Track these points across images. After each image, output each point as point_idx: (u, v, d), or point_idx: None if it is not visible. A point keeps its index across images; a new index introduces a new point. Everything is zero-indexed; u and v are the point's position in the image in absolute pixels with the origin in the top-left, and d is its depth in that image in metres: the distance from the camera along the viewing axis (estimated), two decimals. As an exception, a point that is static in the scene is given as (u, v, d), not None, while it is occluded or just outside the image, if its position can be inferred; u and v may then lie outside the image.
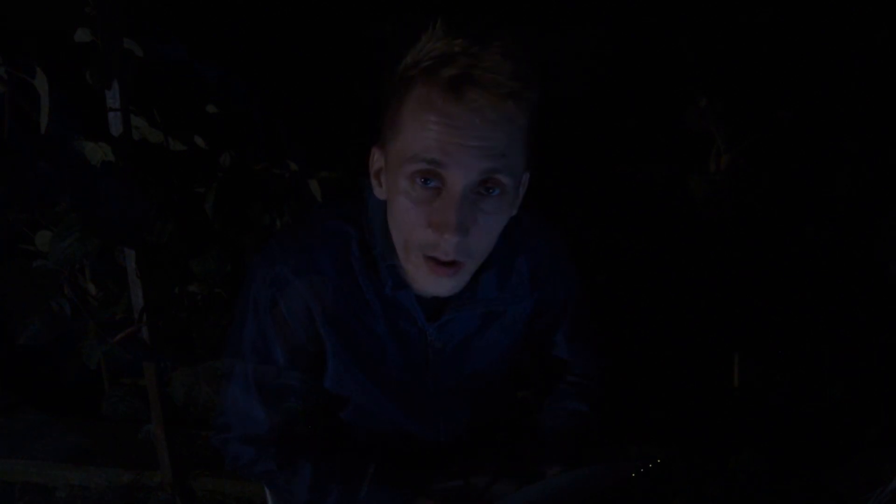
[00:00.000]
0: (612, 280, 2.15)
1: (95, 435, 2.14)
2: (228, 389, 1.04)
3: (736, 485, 1.71)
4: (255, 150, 1.73)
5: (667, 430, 1.95)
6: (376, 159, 0.94)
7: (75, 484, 2.04)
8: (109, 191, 1.50)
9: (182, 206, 1.61)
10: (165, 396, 1.80)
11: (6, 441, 2.14)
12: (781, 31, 2.06)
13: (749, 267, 2.10)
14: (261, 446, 1.04)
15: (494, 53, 0.82)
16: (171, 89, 1.83)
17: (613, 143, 2.34)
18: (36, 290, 1.54)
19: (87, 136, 1.61)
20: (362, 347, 1.03)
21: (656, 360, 2.15)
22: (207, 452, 2.06)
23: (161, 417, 1.87)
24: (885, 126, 2.03)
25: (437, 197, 0.86)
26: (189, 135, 1.70)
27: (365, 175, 0.99)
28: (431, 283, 0.94)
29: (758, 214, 2.10)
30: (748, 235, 2.10)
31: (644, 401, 2.00)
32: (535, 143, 0.91)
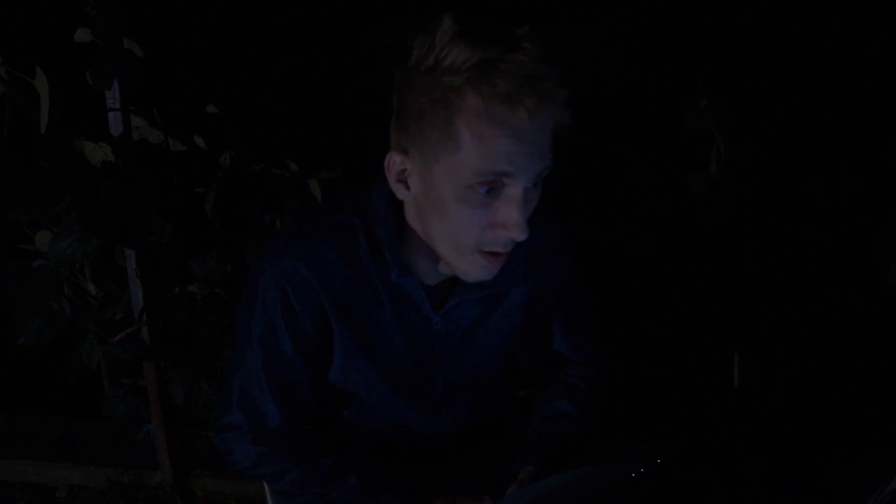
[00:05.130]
0: (612, 279, 2.15)
1: (95, 435, 2.14)
2: (236, 387, 1.03)
3: (736, 484, 1.71)
4: (254, 150, 1.73)
5: (667, 430, 1.95)
6: (398, 163, 0.94)
7: (75, 484, 2.04)
8: (109, 191, 1.50)
9: (182, 206, 1.61)
10: (165, 396, 1.80)
11: (6, 441, 2.14)
12: (782, 32, 2.06)
13: (749, 267, 2.10)
14: (273, 444, 1.04)
15: (538, 60, 0.84)
16: (170, 89, 1.83)
17: (615, 143, 2.34)
18: (36, 290, 1.53)
19: (87, 136, 1.61)
20: (370, 338, 1.03)
21: (656, 359, 2.15)
22: (207, 452, 2.06)
23: (161, 417, 1.87)
24: (885, 126, 2.03)
25: (496, 199, 0.90)
26: (189, 135, 1.70)
27: (372, 175, 1.00)
28: (483, 271, 0.96)
29: (758, 214, 2.10)
30: (748, 235, 2.11)
31: (644, 400, 2.00)
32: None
